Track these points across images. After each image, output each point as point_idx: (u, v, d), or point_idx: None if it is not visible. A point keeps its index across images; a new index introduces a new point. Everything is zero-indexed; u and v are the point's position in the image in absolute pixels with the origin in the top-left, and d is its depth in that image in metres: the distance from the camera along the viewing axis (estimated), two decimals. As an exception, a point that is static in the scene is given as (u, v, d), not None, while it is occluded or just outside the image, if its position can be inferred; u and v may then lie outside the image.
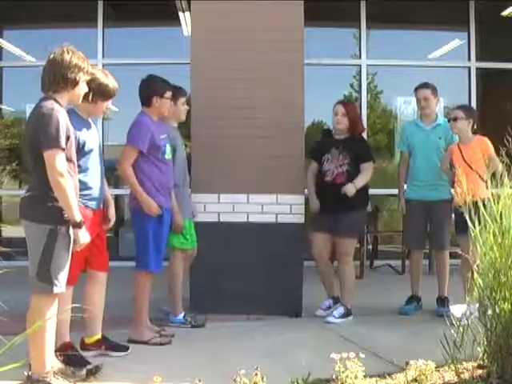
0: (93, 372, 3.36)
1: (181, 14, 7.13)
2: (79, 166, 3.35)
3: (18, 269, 3.03)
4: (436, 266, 5.23)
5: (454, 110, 4.85)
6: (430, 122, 5.04)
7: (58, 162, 2.99)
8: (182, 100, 4.57)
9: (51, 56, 3.17)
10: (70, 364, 3.36)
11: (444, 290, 4.96)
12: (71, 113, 3.38)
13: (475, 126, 4.79)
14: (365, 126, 5.38)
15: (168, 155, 4.18)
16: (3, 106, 7.88)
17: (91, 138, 3.56)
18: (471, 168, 4.56)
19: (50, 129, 2.99)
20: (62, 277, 3.09)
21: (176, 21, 7.35)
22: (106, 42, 7.48)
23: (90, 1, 7.40)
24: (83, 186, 3.40)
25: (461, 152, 4.70)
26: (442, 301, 4.93)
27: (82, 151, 3.43)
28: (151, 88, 4.13)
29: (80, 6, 7.26)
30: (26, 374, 3.06)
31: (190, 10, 5.43)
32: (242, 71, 4.97)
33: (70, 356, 3.44)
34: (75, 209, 3.04)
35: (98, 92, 3.56)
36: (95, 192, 3.54)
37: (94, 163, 3.54)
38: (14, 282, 3.55)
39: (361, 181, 4.77)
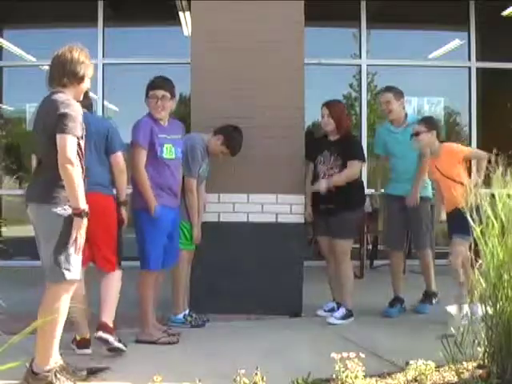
0: (93, 372, 3.35)
1: (181, 14, 7.13)
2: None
3: (17, 268, 3.02)
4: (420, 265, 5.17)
5: (415, 126, 4.73)
6: (400, 124, 5.02)
7: (69, 147, 2.99)
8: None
9: (60, 52, 3.21)
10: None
11: (430, 286, 4.98)
12: None
13: (440, 137, 4.73)
14: (363, 122, 5.31)
15: (166, 154, 4.07)
16: (3, 106, 7.89)
17: None
18: (449, 178, 4.49)
19: (69, 114, 3.02)
20: (76, 263, 3.06)
21: (176, 21, 7.35)
22: (106, 41, 7.49)
23: (90, 1, 7.40)
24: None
25: (435, 165, 4.66)
26: (428, 296, 4.95)
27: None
28: (146, 87, 4.12)
29: (80, 6, 7.26)
30: (26, 365, 3.02)
31: (190, 10, 5.44)
32: (242, 71, 4.97)
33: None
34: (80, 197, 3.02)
35: None
36: None
37: None
38: (13, 282, 3.54)
39: (339, 177, 4.70)
